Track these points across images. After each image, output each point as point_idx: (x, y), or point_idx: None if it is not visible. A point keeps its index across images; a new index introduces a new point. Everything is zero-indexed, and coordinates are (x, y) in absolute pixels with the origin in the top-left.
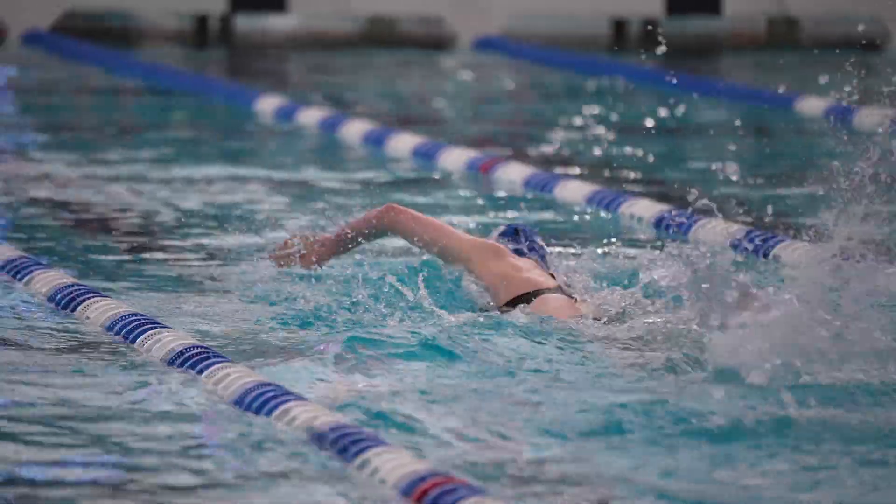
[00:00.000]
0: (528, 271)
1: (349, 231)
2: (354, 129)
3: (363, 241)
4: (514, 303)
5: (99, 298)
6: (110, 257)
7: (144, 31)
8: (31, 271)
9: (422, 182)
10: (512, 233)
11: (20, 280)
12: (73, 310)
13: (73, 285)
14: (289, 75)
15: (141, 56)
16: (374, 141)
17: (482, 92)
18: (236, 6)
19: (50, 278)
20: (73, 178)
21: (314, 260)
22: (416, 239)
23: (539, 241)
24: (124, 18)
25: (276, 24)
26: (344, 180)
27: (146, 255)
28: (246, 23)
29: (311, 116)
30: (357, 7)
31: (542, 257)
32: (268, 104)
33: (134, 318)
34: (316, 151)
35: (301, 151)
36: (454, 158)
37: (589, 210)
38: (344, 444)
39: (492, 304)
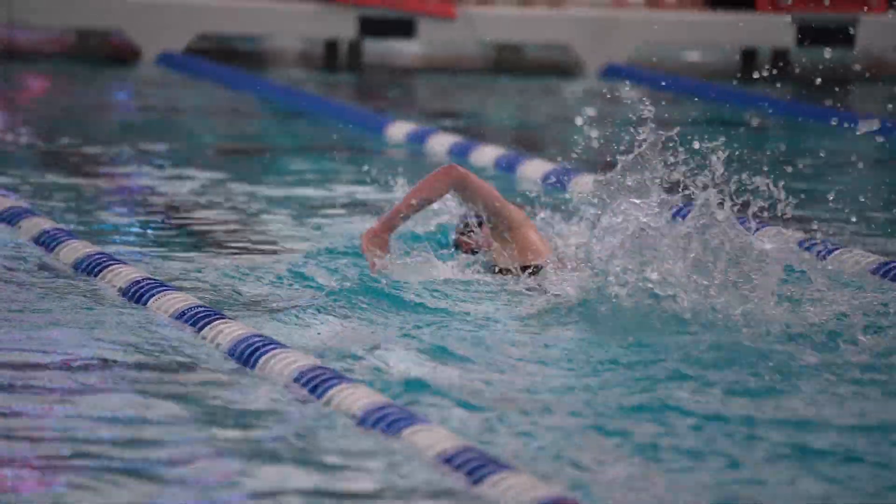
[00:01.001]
0: (545, 245)
1: (414, 201)
2: (486, 155)
3: (423, 208)
4: (524, 268)
5: (222, 321)
6: (233, 279)
7: (274, 54)
8: (156, 293)
9: (554, 208)
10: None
11: (142, 301)
12: (200, 329)
13: (198, 306)
14: (417, 101)
15: (271, 79)
16: (506, 167)
17: (610, 120)
18: (365, 32)
19: (171, 299)
20: (201, 197)
21: (378, 254)
22: (476, 197)
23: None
24: (255, 41)
25: (405, 49)
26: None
27: (272, 278)
28: (374, 48)
29: (442, 142)
30: (484, 34)
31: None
32: (398, 129)
33: (257, 339)
34: None
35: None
36: (585, 185)
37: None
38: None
39: (512, 263)
